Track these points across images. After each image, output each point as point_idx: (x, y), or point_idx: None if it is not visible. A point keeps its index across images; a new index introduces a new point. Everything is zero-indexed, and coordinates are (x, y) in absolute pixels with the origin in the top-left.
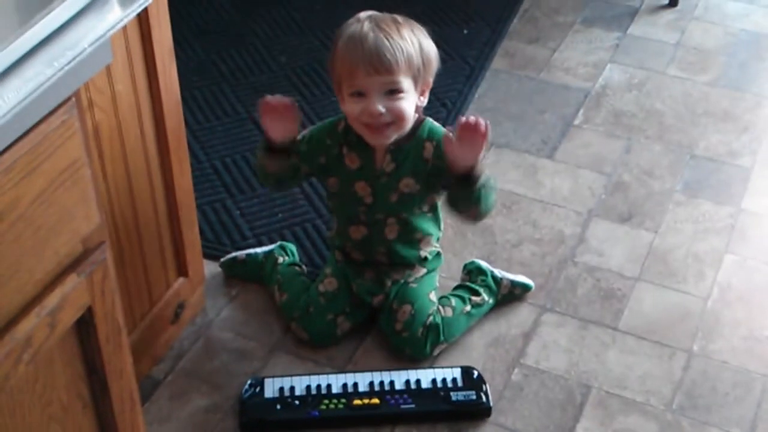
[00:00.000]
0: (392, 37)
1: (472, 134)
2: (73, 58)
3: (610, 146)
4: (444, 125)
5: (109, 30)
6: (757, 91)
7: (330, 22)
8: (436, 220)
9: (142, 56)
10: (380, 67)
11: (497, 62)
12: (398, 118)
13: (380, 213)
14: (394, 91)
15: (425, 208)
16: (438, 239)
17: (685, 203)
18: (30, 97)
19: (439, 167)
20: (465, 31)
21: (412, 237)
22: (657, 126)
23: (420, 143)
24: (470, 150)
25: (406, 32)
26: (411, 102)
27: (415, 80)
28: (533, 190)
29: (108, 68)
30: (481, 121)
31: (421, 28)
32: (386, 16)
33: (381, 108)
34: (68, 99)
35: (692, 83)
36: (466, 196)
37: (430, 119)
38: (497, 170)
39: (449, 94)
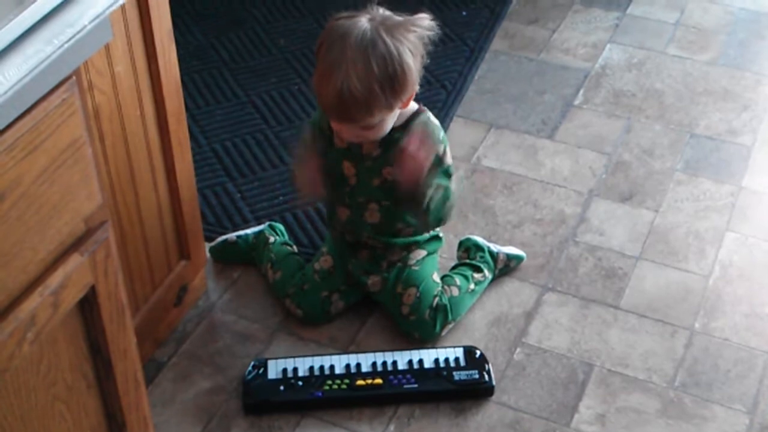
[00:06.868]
0: (362, 83)
1: (406, 160)
2: (73, 36)
3: (610, 126)
4: (443, 107)
5: (108, 7)
6: (757, 69)
7: (328, 4)
8: None
9: (141, 37)
10: (348, 119)
11: (497, 43)
12: (374, 139)
13: (362, 196)
14: (366, 127)
15: None
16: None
17: (686, 182)
18: (31, 74)
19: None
20: (464, 13)
21: (393, 225)
22: (657, 105)
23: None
24: (407, 173)
25: (383, 60)
26: (389, 121)
27: (391, 108)
28: (534, 171)
29: (107, 49)
30: (411, 147)
31: (412, 30)
32: (369, 33)
33: (354, 138)
34: (69, 77)
35: (692, 62)
36: (412, 210)
37: (427, 114)
38: (497, 151)
39: (449, 75)
